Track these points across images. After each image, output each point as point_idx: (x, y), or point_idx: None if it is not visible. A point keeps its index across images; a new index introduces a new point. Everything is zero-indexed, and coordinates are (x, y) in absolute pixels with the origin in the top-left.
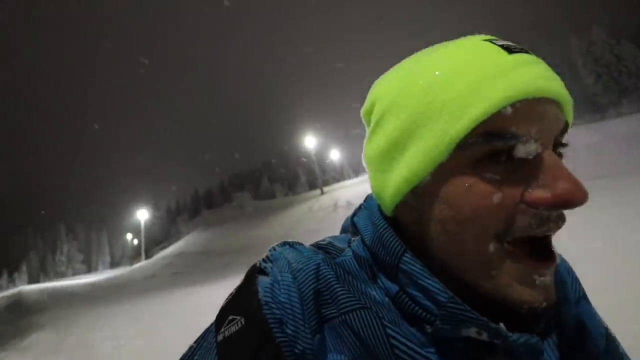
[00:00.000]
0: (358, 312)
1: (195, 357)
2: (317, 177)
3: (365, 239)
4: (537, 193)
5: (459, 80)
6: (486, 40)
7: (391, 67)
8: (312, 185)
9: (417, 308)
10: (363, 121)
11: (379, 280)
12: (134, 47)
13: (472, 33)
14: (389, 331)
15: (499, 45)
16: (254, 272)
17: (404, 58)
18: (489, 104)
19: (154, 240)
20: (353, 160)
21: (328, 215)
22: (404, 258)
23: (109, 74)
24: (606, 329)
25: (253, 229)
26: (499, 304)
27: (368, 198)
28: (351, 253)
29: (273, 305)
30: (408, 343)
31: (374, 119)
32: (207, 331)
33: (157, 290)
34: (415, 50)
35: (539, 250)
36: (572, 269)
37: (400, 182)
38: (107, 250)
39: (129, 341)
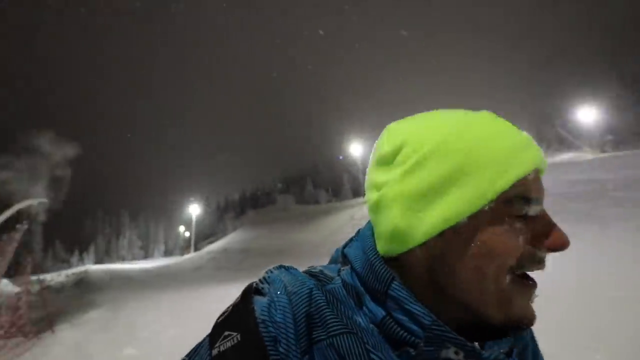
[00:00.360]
0: (344, 336)
1: None
2: (362, 185)
3: (356, 267)
4: (545, 241)
5: (500, 144)
6: (498, 116)
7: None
8: (356, 193)
9: (402, 332)
10: (377, 156)
11: (364, 307)
12: (199, 47)
13: None
14: (372, 355)
15: (511, 124)
16: (251, 292)
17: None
18: (524, 168)
19: (203, 234)
20: None
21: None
22: (393, 285)
23: (173, 75)
24: None
25: (294, 232)
26: (473, 329)
27: (360, 232)
28: (340, 281)
29: (269, 324)
30: None
31: (406, 159)
32: (199, 345)
33: (200, 282)
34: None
35: (526, 277)
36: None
37: (439, 222)
38: (162, 239)
39: (166, 329)
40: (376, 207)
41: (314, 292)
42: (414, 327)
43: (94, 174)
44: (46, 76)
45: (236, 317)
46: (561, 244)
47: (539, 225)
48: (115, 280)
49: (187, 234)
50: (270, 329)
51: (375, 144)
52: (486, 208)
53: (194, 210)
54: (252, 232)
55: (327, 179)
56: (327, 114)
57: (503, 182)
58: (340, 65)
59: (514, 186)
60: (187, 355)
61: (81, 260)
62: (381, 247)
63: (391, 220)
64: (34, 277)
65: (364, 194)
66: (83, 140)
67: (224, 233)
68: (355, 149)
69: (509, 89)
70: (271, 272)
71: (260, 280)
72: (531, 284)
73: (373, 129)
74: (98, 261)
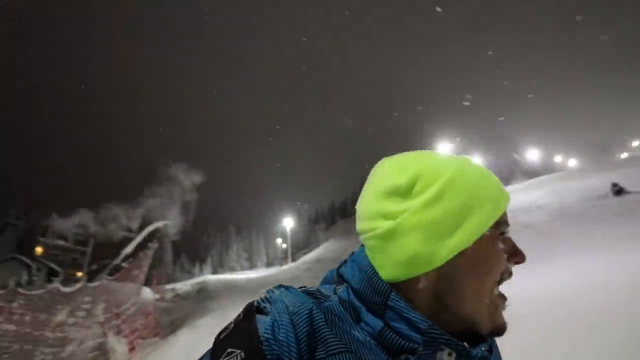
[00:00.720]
0: (343, 354)
1: None
2: None
3: (353, 283)
4: (515, 257)
5: (491, 182)
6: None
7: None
8: None
9: (400, 340)
10: (387, 186)
11: (362, 322)
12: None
13: None
14: None
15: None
16: (253, 310)
17: None
18: (507, 200)
19: (298, 245)
20: (501, 166)
21: None
22: (391, 296)
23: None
24: None
25: None
26: (459, 337)
27: (355, 254)
28: (337, 299)
29: (273, 342)
30: None
31: (423, 191)
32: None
33: None
34: None
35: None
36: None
37: (456, 247)
38: (263, 251)
39: None
40: (390, 235)
41: (314, 311)
42: (412, 334)
43: (208, 195)
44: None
45: (239, 335)
46: (524, 259)
47: (509, 245)
48: (226, 289)
49: (284, 245)
50: (274, 347)
51: (377, 176)
52: (487, 233)
53: (288, 223)
54: (343, 241)
55: None
56: (416, 117)
57: (499, 211)
58: (431, 64)
59: (503, 216)
60: None
61: (201, 271)
62: (389, 272)
63: (412, 246)
64: (168, 287)
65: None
66: (205, 167)
67: (316, 244)
68: (443, 148)
69: None
70: (272, 292)
71: (261, 299)
72: (504, 296)
73: (461, 129)
74: (214, 272)
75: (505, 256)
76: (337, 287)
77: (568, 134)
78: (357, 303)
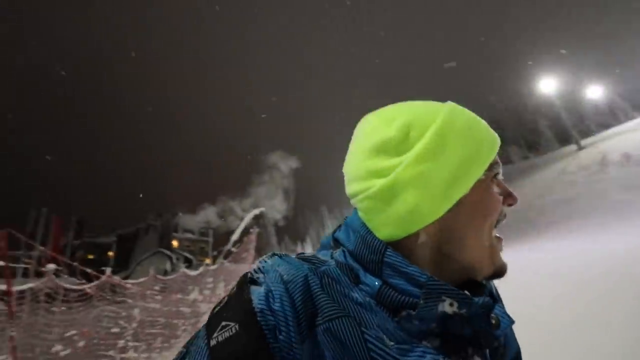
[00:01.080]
0: (340, 319)
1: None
2: (568, 127)
3: (348, 246)
4: (508, 199)
5: (481, 125)
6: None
7: None
8: (564, 140)
9: (399, 296)
10: (376, 142)
11: (360, 284)
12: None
13: None
14: (366, 336)
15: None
16: (246, 282)
17: None
18: (498, 141)
19: None
20: (633, 91)
21: (591, 176)
22: (387, 252)
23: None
24: (518, 350)
25: None
26: (459, 284)
27: (347, 219)
28: (334, 262)
29: (267, 313)
30: (382, 344)
31: (416, 143)
32: (196, 336)
33: None
34: None
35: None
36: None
37: (455, 196)
38: None
39: None
40: (385, 193)
41: (309, 277)
42: (411, 288)
43: (303, 179)
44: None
45: (233, 308)
46: (516, 200)
47: (502, 186)
48: None
49: None
50: (269, 318)
51: (362, 133)
52: (483, 177)
53: None
54: None
55: (515, 132)
56: (501, 44)
57: (492, 152)
58: None
59: (494, 158)
60: (184, 347)
61: (303, 249)
62: (386, 232)
63: (410, 201)
64: None
65: (575, 140)
66: (300, 152)
67: None
68: (547, 84)
69: None
70: (265, 261)
71: (254, 270)
72: (500, 237)
73: (569, 47)
74: (313, 249)
75: (500, 198)
76: (334, 252)
77: None
78: (355, 265)
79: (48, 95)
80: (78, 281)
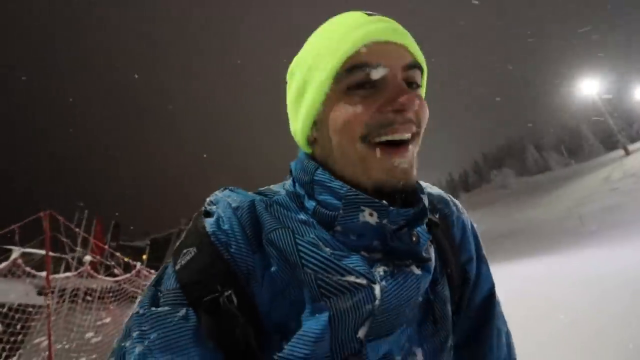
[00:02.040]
0: (277, 231)
1: (159, 287)
2: (615, 132)
3: (293, 172)
4: (384, 101)
5: (333, 34)
6: (360, 11)
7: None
8: (610, 146)
9: (328, 211)
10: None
11: (305, 207)
12: None
13: None
14: (298, 241)
15: (366, 13)
16: (200, 215)
17: None
18: (349, 45)
19: None
20: None
21: (638, 184)
22: (317, 172)
23: None
24: (492, 286)
25: (521, 210)
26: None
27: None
28: (284, 192)
29: (219, 233)
30: (315, 248)
31: (288, 77)
32: (164, 268)
33: None
34: None
35: (396, 145)
36: (477, 236)
37: (305, 117)
38: None
39: None
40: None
41: (256, 202)
42: (336, 202)
43: None
44: None
45: (190, 237)
46: (400, 104)
47: (388, 91)
48: None
49: None
50: (221, 236)
51: None
52: (328, 91)
53: None
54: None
55: (556, 137)
56: (533, 50)
57: (332, 63)
58: None
59: (348, 62)
60: (154, 280)
61: None
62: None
63: (292, 128)
64: None
65: (622, 145)
66: None
67: None
68: (590, 86)
69: None
70: (216, 194)
71: (207, 202)
72: (387, 148)
73: (613, 47)
74: None
75: (368, 107)
76: (286, 182)
77: None
78: (300, 191)
79: (107, 99)
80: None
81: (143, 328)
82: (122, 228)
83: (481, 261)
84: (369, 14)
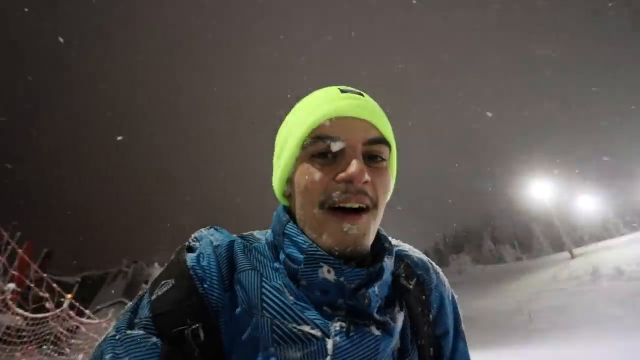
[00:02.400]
0: (247, 272)
1: (135, 314)
2: (562, 235)
3: (272, 224)
4: (339, 171)
5: (307, 107)
6: (337, 87)
7: None
8: (557, 247)
9: (292, 265)
10: None
11: (279, 258)
12: None
13: None
14: (264, 284)
15: (340, 89)
16: (184, 249)
17: None
18: (316, 118)
19: None
20: (624, 207)
21: (582, 287)
22: (288, 225)
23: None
24: (449, 328)
25: (475, 298)
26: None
27: None
28: (264, 241)
29: (197, 268)
30: (278, 294)
31: (276, 139)
32: (140, 297)
33: None
34: None
35: (350, 212)
36: (457, 309)
37: (281, 175)
38: None
39: None
40: None
41: (235, 244)
42: (299, 256)
43: None
44: None
45: (170, 269)
46: (348, 175)
47: (341, 161)
48: None
49: None
50: (198, 272)
51: None
52: (297, 156)
53: None
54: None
55: (510, 232)
56: (499, 152)
57: (302, 131)
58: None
59: (313, 132)
60: (131, 307)
61: None
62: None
63: (273, 181)
64: None
65: (568, 248)
66: None
67: None
68: (541, 189)
69: None
70: (201, 231)
71: (192, 238)
72: (340, 214)
73: (562, 157)
74: None
75: (325, 175)
76: (268, 231)
77: None
78: (275, 242)
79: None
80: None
81: (117, 351)
82: (53, 259)
83: (458, 336)
84: (343, 91)
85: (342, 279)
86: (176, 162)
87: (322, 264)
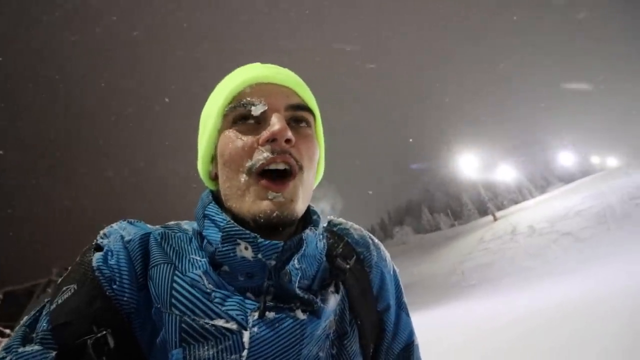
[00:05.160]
0: (158, 266)
1: (32, 327)
2: (486, 201)
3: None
4: (266, 136)
5: (227, 80)
6: (259, 63)
7: None
8: (483, 212)
9: (210, 247)
10: None
11: (204, 246)
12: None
13: None
14: (176, 277)
15: (262, 64)
16: (90, 249)
17: None
18: (235, 85)
19: None
20: (535, 174)
21: (504, 245)
22: (209, 206)
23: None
24: (412, 334)
25: (417, 265)
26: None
27: None
28: (191, 231)
29: (103, 268)
30: (187, 285)
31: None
32: (41, 307)
33: None
34: None
35: (277, 178)
36: (399, 283)
37: (204, 153)
38: None
39: None
40: None
41: (151, 236)
42: (217, 235)
43: None
44: None
45: (73, 272)
46: (271, 133)
47: (264, 125)
48: None
49: None
50: (105, 272)
51: None
52: (220, 127)
53: None
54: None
55: (445, 202)
56: (428, 131)
57: (222, 100)
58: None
59: (234, 100)
60: (28, 320)
61: None
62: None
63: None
64: None
65: (491, 212)
66: None
67: None
68: (468, 161)
69: None
70: (111, 227)
71: (100, 235)
72: (266, 183)
73: (484, 136)
74: None
75: (249, 140)
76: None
77: (604, 133)
78: (199, 227)
79: None
80: None
81: None
82: None
83: (401, 309)
84: (264, 64)
85: (259, 255)
86: (116, 160)
87: (239, 241)
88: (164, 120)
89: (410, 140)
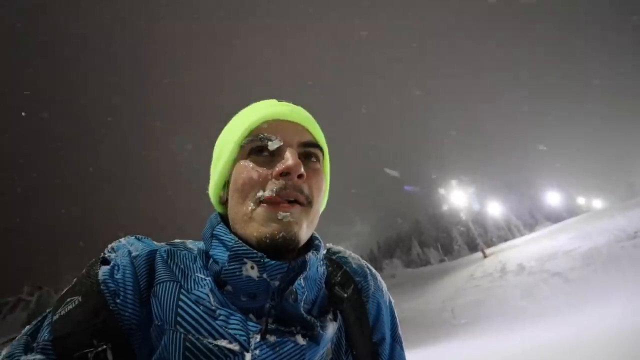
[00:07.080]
0: (164, 283)
1: (34, 337)
2: (476, 237)
3: (203, 230)
4: (280, 169)
5: (245, 114)
6: (274, 99)
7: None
8: (472, 248)
9: (217, 266)
10: None
11: (209, 265)
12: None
13: None
14: (182, 295)
15: (278, 100)
16: (97, 262)
17: None
18: (253, 120)
19: None
20: (524, 212)
21: (494, 282)
22: (217, 227)
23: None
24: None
25: (406, 300)
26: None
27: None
28: (196, 250)
29: (109, 282)
30: (192, 303)
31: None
32: (42, 318)
33: None
34: None
35: (284, 202)
36: (395, 314)
37: (217, 178)
38: None
39: None
40: None
41: (157, 253)
42: (224, 255)
43: None
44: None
45: (79, 284)
46: (286, 167)
47: (278, 159)
48: None
49: None
50: (111, 286)
51: None
52: (235, 157)
53: None
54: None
55: (435, 236)
56: (418, 166)
57: (241, 132)
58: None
59: (251, 133)
60: (29, 330)
61: None
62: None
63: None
64: None
65: (481, 249)
66: None
67: None
68: (457, 197)
69: None
70: (119, 241)
71: (108, 249)
72: (275, 204)
73: (473, 171)
74: None
75: (263, 172)
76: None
77: (590, 175)
78: (206, 246)
79: None
80: None
81: None
82: None
83: (395, 341)
84: (280, 101)
85: (264, 275)
86: (90, 176)
87: (245, 260)
88: None
89: (397, 174)
